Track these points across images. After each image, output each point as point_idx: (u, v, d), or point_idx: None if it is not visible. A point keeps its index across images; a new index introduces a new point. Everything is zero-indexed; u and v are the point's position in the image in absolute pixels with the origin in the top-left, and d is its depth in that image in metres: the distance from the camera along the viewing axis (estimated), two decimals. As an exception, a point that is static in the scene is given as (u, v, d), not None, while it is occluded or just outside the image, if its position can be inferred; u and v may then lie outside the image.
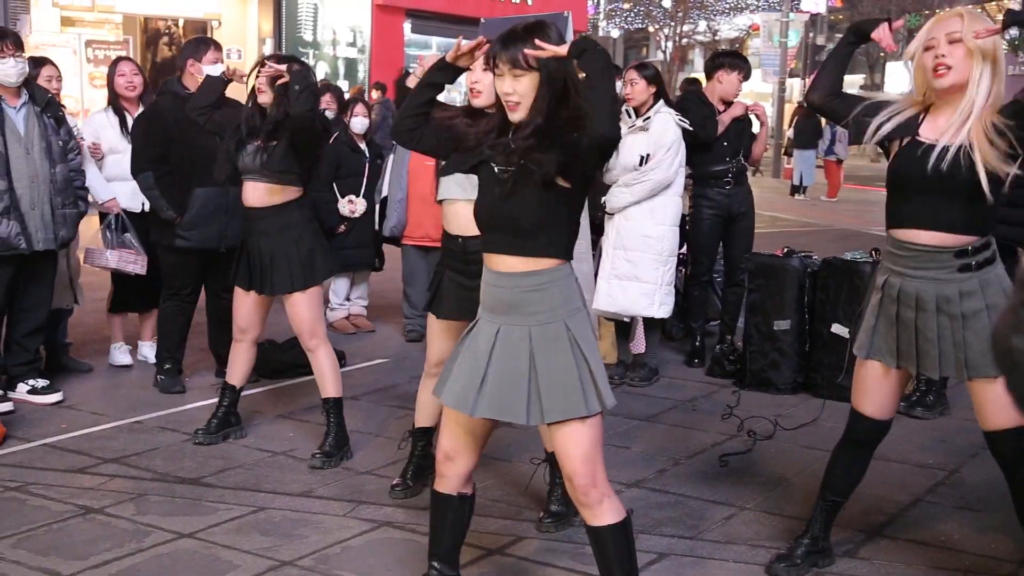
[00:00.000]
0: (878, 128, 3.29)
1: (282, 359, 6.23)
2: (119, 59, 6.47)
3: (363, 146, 7.39)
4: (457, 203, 3.91)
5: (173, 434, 5.14)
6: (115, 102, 6.19)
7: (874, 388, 3.48)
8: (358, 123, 7.33)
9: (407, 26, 21.50)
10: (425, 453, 4.39)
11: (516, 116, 2.86)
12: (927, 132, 3.22)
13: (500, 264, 2.90)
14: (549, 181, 2.77)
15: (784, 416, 5.50)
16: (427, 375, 4.24)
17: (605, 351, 6.70)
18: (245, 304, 4.92)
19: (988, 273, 3.23)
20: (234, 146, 4.76)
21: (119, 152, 6.08)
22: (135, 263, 6.00)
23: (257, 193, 4.75)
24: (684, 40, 42.20)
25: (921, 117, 3.27)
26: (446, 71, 3.22)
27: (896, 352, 3.37)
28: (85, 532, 3.95)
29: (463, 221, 3.79)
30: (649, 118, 5.95)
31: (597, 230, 6.72)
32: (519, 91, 2.82)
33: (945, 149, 3.14)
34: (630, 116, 6.06)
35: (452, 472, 3.13)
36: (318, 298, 4.85)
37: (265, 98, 4.72)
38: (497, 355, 2.90)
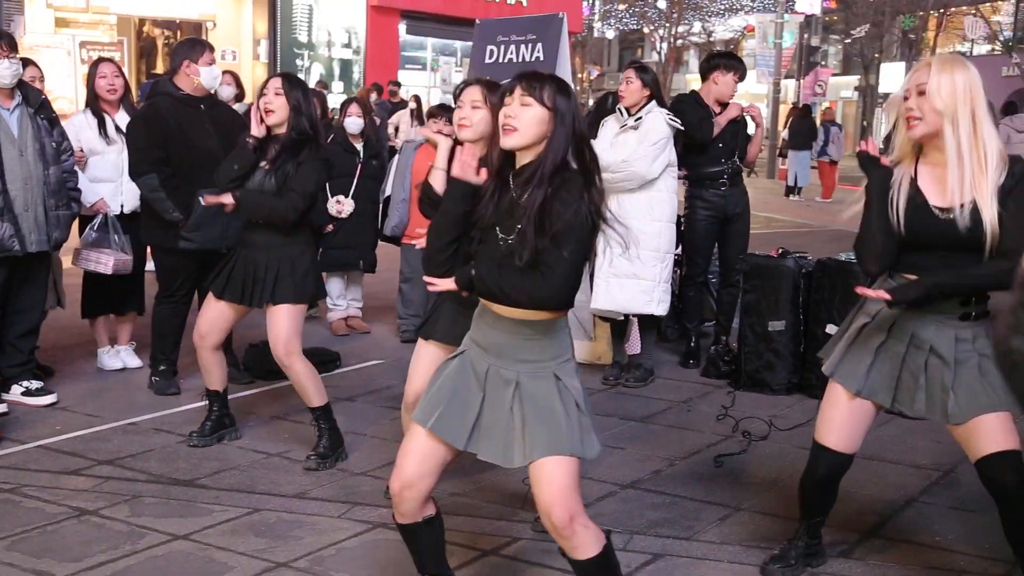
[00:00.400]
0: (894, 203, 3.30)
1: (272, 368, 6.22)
2: (100, 60, 6.38)
3: (358, 146, 7.39)
4: None
5: (168, 436, 5.13)
6: (94, 104, 6.11)
7: (841, 418, 3.50)
8: (352, 123, 7.33)
9: (402, 27, 21.50)
10: None
11: (508, 142, 2.85)
12: (931, 191, 3.25)
13: (500, 309, 2.90)
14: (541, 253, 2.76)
15: (779, 417, 5.50)
16: (408, 408, 3.98)
17: (601, 352, 6.70)
18: (215, 310, 4.83)
19: (982, 326, 3.30)
20: (245, 168, 4.71)
21: (99, 154, 6.04)
22: (127, 264, 5.99)
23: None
24: (679, 41, 42.24)
25: (915, 168, 3.31)
26: (467, 196, 2.96)
27: (865, 378, 3.41)
28: (79, 534, 3.94)
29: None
30: (640, 118, 5.96)
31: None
32: (521, 118, 2.84)
33: (958, 212, 3.19)
34: (622, 115, 6.07)
35: (411, 497, 3.05)
36: (301, 315, 4.77)
37: (274, 119, 4.67)
38: (488, 394, 2.94)
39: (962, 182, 3.17)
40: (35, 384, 5.62)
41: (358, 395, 5.92)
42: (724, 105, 6.63)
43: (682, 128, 6.13)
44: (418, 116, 15.66)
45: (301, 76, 20.66)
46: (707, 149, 6.53)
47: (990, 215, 3.14)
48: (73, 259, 6.09)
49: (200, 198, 5.47)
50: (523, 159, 2.89)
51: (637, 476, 4.70)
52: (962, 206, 3.18)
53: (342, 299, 7.59)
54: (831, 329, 5.85)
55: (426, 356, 3.97)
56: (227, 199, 4.67)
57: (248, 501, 4.31)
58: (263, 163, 4.69)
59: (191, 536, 3.95)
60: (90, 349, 6.55)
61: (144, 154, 5.62)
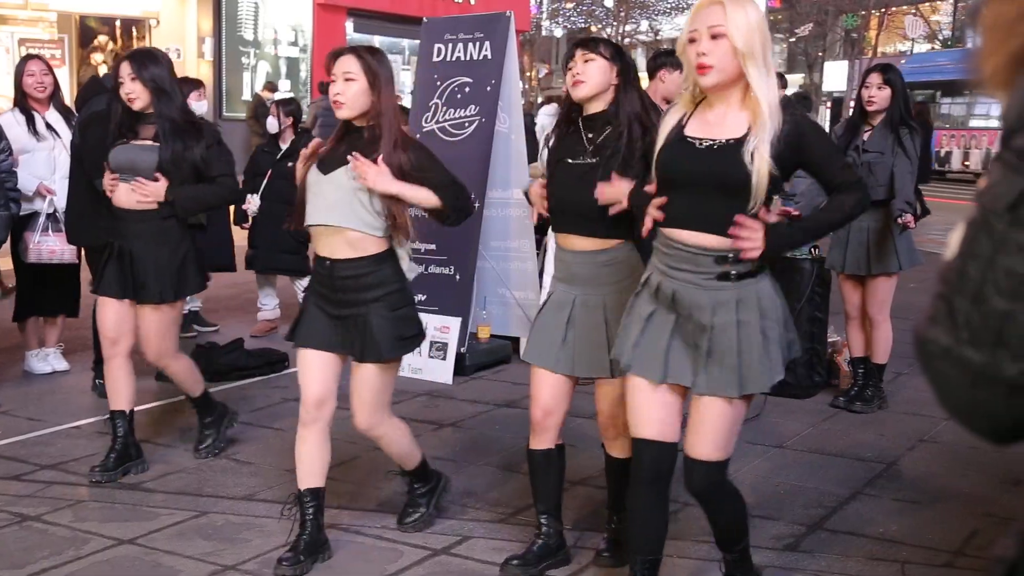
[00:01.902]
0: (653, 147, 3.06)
1: (224, 362, 6.18)
2: (28, 57, 6.26)
3: (283, 146, 7.36)
4: (326, 227, 3.65)
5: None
6: (22, 101, 5.99)
7: (647, 405, 3.05)
8: (273, 124, 7.41)
9: (349, 25, 21.37)
10: (317, 521, 3.73)
11: (579, 92, 3.43)
12: (694, 129, 2.95)
13: (574, 244, 3.45)
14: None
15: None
16: (304, 423, 3.70)
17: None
18: (114, 313, 4.50)
19: (748, 287, 2.92)
20: (108, 144, 4.49)
21: (29, 151, 5.93)
22: (73, 253, 5.91)
23: (136, 195, 4.42)
24: (626, 40, 42.42)
25: (687, 115, 3.01)
26: None
27: (649, 361, 3.02)
28: (22, 540, 3.88)
29: (333, 244, 3.62)
30: None
31: (540, 229, 6.73)
32: (587, 71, 3.41)
33: (714, 144, 2.89)
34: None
35: (551, 424, 3.60)
36: (174, 314, 4.57)
37: (140, 104, 4.40)
38: (577, 320, 3.45)
39: (742, 118, 2.88)
40: (-25, 388, 5.52)
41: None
42: (670, 103, 6.66)
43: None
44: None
45: (247, 74, 20.32)
46: None
47: (767, 157, 2.81)
48: (23, 256, 5.94)
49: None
50: (593, 108, 3.47)
51: (587, 474, 4.72)
52: (724, 141, 2.87)
53: (270, 298, 7.54)
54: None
55: (308, 362, 3.70)
56: (156, 188, 4.35)
57: (195, 504, 4.26)
58: (139, 140, 4.42)
59: (137, 540, 3.90)
60: (19, 353, 6.41)
61: (102, 155, 5.55)
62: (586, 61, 3.42)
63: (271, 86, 18.21)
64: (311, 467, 3.69)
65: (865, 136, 5.58)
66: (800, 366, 5.96)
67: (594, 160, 3.40)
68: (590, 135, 3.46)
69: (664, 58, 6.83)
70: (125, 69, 4.41)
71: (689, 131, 2.96)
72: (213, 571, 3.66)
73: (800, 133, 2.90)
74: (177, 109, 4.45)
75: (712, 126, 2.94)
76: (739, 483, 4.56)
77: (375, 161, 3.53)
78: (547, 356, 3.53)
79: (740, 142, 2.85)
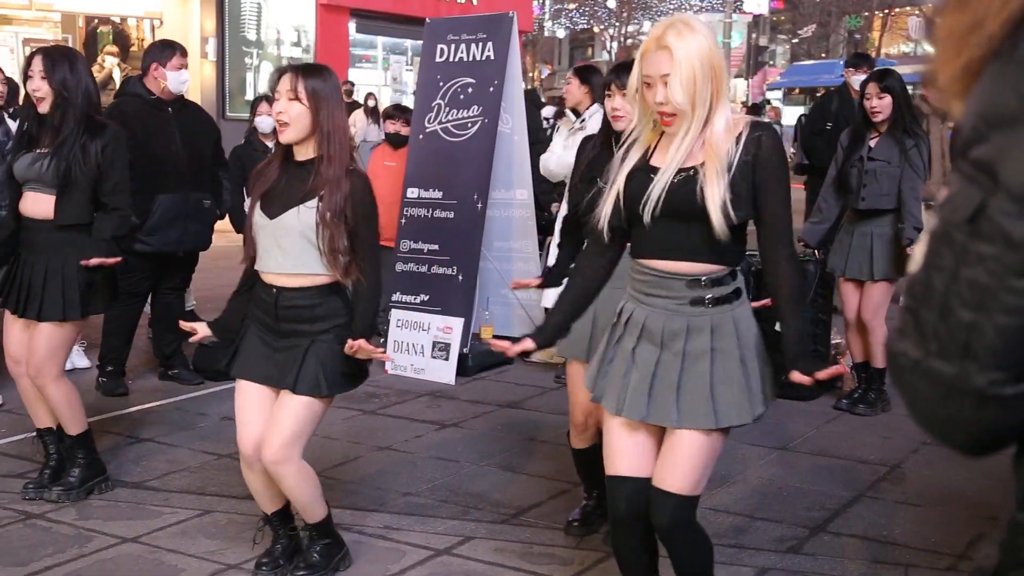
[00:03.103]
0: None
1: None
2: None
3: (270, 145, 7.29)
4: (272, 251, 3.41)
5: (116, 437, 5.07)
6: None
7: (619, 437, 2.88)
8: (263, 122, 7.09)
9: (352, 26, 21.38)
10: (291, 531, 3.65)
11: (619, 126, 3.54)
12: (659, 159, 2.84)
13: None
14: None
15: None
16: (247, 465, 3.48)
17: (552, 352, 6.71)
18: (17, 331, 4.25)
19: (724, 314, 2.82)
20: (14, 152, 4.25)
21: None
22: None
23: (40, 205, 4.15)
24: (629, 40, 42.44)
25: (652, 148, 2.88)
26: None
27: (595, 381, 2.91)
28: (26, 538, 3.88)
29: (280, 272, 3.39)
30: (584, 119, 5.96)
31: (543, 230, 6.75)
32: (625, 107, 3.44)
33: (677, 174, 2.77)
34: (573, 118, 6.07)
35: (594, 423, 3.76)
36: (71, 334, 4.25)
37: (44, 107, 4.14)
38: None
39: (680, 148, 2.75)
40: (-22, 387, 5.52)
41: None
42: None
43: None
44: (373, 114, 15.57)
45: (250, 75, 20.36)
46: None
47: (718, 187, 2.70)
48: None
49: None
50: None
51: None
52: (667, 169, 2.76)
53: None
54: (780, 327, 5.92)
55: (246, 396, 3.52)
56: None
57: (198, 503, 4.27)
58: (37, 148, 4.16)
59: (140, 539, 3.90)
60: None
61: None
62: (624, 95, 3.45)
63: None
64: (267, 495, 3.54)
65: (872, 143, 5.57)
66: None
67: None
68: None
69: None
70: (37, 65, 4.13)
71: (655, 160, 2.84)
72: (216, 570, 3.66)
73: (758, 160, 2.76)
74: (81, 114, 4.15)
75: (672, 153, 2.80)
76: (737, 486, 4.58)
77: (322, 198, 3.29)
78: (583, 352, 3.59)
79: (695, 172, 2.74)
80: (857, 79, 7.79)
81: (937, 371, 0.95)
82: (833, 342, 6.28)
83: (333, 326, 3.38)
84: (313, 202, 3.30)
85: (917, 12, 35.65)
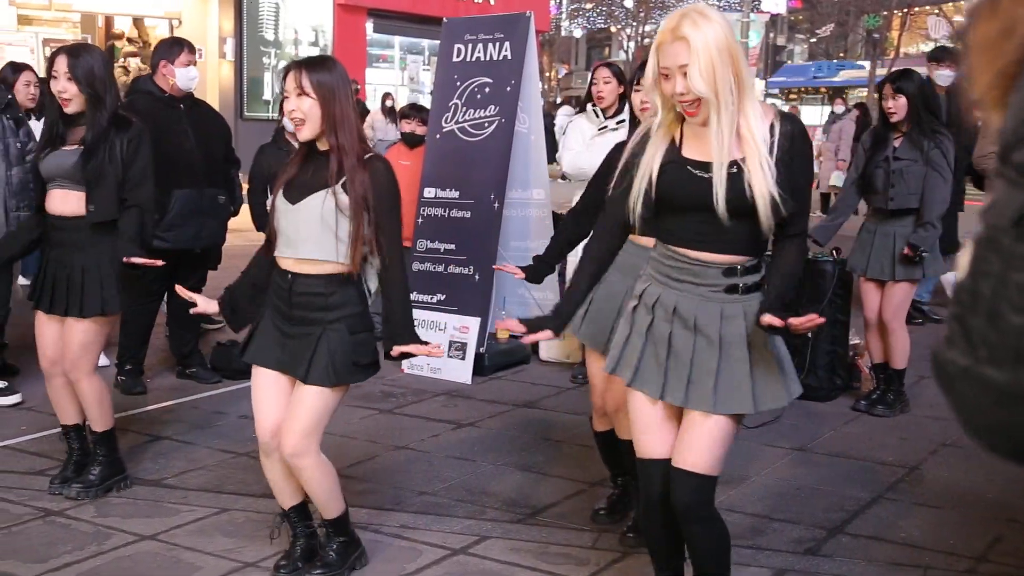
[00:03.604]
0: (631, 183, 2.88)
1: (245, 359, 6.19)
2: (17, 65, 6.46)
3: (297, 145, 7.30)
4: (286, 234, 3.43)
5: (134, 436, 5.09)
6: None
7: (653, 421, 2.92)
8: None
9: (369, 25, 21.44)
10: (308, 530, 3.67)
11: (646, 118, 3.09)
12: (691, 151, 2.84)
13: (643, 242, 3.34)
14: None
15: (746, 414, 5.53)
16: (265, 453, 3.52)
17: (570, 350, 6.72)
18: (52, 330, 4.23)
19: (755, 300, 2.85)
20: (39, 150, 4.27)
21: None
22: None
23: (69, 202, 4.17)
24: (646, 40, 42.37)
25: (679, 136, 2.87)
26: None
27: (637, 369, 2.90)
28: (45, 535, 3.90)
29: (299, 247, 3.39)
30: (624, 120, 5.85)
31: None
32: (654, 100, 2.87)
33: (718, 169, 2.77)
34: (598, 116, 5.98)
35: (612, 408, 3.89)
36: (107, 328, 4.29)
37: (73, 107, 4.15)
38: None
39: (723, 142, 2.75)
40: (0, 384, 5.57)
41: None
42: None
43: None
44: (391, 114, 15.60)
45: (268, 75, 20.36)
46: None
47: (764, 178, 2.72)
48: None
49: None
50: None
51: (605, 473, 4.71)
52: (721, 165, 2.76)
53: None
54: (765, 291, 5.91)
55: (262, 383, 3.53)
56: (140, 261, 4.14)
57: (216, 501, 4.28)
58: (65, 146, 4.17)
59: (158, 536, 3.92)
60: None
61: None
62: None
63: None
64: (286, 488, 3.55)
65: (896, 143, 5.54)
66: (821, 369, 5.94)
67: None
68: None
69: None
70: (61, 65, 4.11)
71: (687, 152, 2.84)
72: (233, 568, 3.67)
73: (792, 155, 2.78)
74: (111, 111, 4.18)
75: (707, 146, 2.80)
76: (757, 487, 4.57)
77: (344, 186, 3.31)
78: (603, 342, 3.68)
79: (739, 167, 2.74)
80: (941, 74, 7.69)
81: (988, 378, 0.94)
82: (851, 343, 6.26)
83: (345, 315, 3.37)
84: (334, 189, 3.32)
85: (936, 11, 35.46)
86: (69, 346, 4.18)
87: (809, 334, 5.82)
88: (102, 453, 4.32)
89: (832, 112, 17.38)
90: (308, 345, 3.36)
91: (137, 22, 19.14)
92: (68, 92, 4.11)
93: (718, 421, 2.82)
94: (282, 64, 19.88)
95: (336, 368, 3.36)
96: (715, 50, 2.69)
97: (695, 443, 2.82)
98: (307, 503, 3.62)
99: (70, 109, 4.14)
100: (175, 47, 5.77)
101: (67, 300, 4.14)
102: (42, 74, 6.03)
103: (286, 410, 3.43)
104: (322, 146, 3.42)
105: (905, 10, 33.14)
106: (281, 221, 3.41)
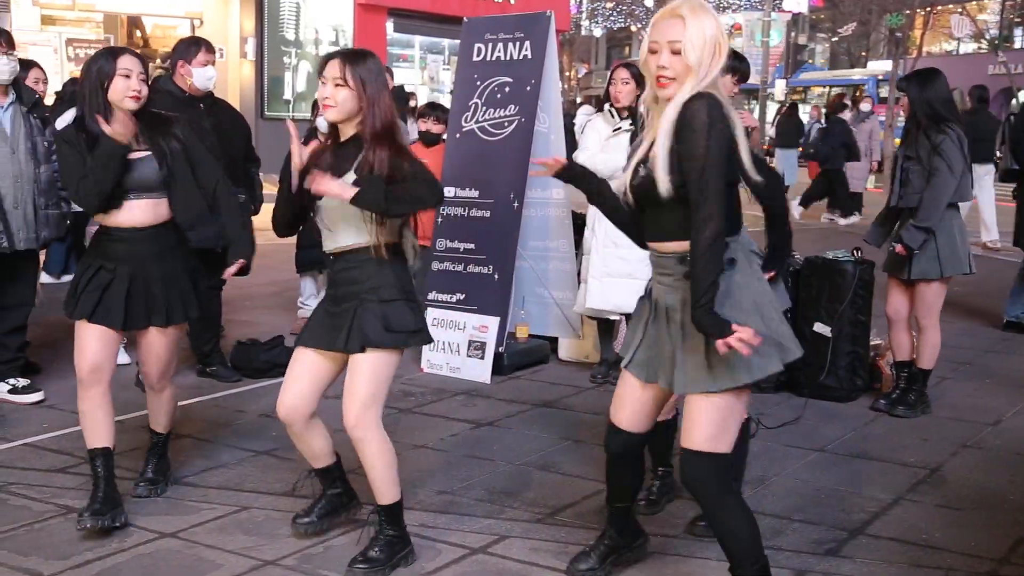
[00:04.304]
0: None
1: (264, 359, 6.22)
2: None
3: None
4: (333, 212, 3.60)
5: (155, 434, 5.11)
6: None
7: (629, 400, 3.36)
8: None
9: (390, 25, 21.45)
10: (339, 488, 3.99)
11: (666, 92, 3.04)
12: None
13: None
14: None
15: (766, 415, 5.51)
16: (286, 424, 3.74)
17: (588, 350, 6.71)
18: (100, 339, 4.03)
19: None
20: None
21: None
22: None
23: (148, 211, 4.02)
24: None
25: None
26: None
27: (641, 362, 3.25)
28: (67, 532, 3.93)
29: (335, 236, 3.61)
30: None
31: (579, 229, 6.72)
32: (674, 67, 3.00)
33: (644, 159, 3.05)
34: (614, 116, 5.98)
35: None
36: (180, 336, 4.35)
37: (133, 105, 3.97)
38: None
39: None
40: (22, 382, 5.61)
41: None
42: None
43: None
44: (413, 113, 15.63)
45: (289, 74, 20.50)
46: None
47: (662, 168, 2.96)
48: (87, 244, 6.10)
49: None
50: None
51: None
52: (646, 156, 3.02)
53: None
54: (819, 328, 5.88)
55: (298, 361, 3.72)
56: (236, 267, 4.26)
57: (236, 499, 4.30)
58: (135, 153, 3.95)
59: (179, 534, 3.94)
60: (69, 347, 6.50)
61: None
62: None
63: None
64: (309, 453, 3.86)
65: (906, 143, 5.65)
66: (842, 369, 5.91)
67: None
68: None
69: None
70: (137, 66, 3.95)
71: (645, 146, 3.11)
72: (252, 566, 3.69)
73: (681, 128, 2.92)
74: (163, 110, 4.19)
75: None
76: (777, 487, 4.55)
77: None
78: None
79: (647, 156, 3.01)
80: None
81: None
82: (872, 343, 6.22)
83: (379, 286, 3.57)
84: (362, 176, 3.48)
85: (959, 10, 35.24)
86: (159, 356, 4.19)
87: (829, 333, 5.82)
88: (162, 454, 4.44)
89: (859, 110, 17.29)
90: (346, 319, 3.57)
91: (137, 21, 19.22)
92: (144, 92, 3.97)
93: (705, 400, 3.03)
94: (303, 63, 19.98)
95: (371, 332, 3.53)
96: (708, 34, 2.93)
97: (689, 424, 3.09)
98: (335, 467, 3.93)
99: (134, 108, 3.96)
100: (192, 47, 5.80)
101: (149, 312, 4.06)
102: (65, 74, 6.09)
103: (308, 390, 3.67)
104: (345, 134, 3.61)
105: (928, 9, 32.92)
106: (318, 216, 3.64)
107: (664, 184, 2.95)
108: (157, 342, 4.17)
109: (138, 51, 4.21)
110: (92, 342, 4.02)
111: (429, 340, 3.74)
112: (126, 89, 3.92)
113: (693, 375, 3.03)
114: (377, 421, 3.59)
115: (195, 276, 4.22)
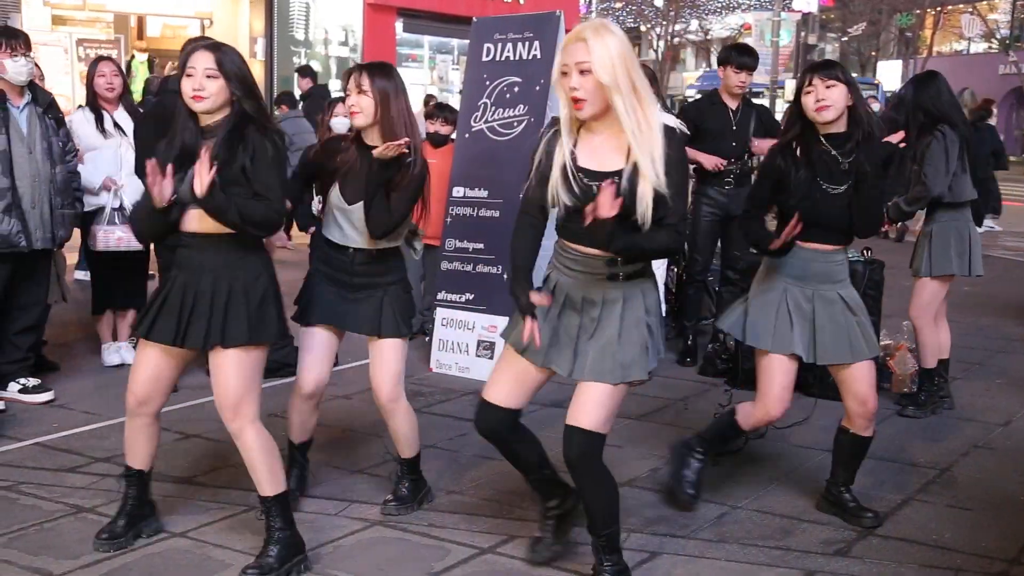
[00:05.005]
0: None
1: (274, 359, 6.20)
2: (99, 59, 6.48)
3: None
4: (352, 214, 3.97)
5: (165, 433, 5.08)
6: (93, 101, 6.22)
7: (513, 379, 3.52)
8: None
9: (399, 25, 21.48)
10: (303, 464, 4.38)
11: (826, 116, 3.91)
12: (584, 158, 3.22)
13: (818, 247, 3.97)
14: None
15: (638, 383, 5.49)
16: (301, 399, 4.26)
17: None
18: (154, 365, 3.66)
19: (635, 287, 3.34)
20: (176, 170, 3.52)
21: (96, 148, 6.12)
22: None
23: (196, 217, 3.52)
24: (676, 39, 42.25)
25: (575, 141, 3.25)
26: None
27: (541, 348, 3.40)
28: (76, 531, 3.94)
29: (356, 233, 3.97)
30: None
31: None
32: (831, 96, 3.90)
33: (601, 178, 3.15)
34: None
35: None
36: (259, 363, 3.66)
37: (203, 106, 3.51)
38: (819, 312, 3.97)
39: (629, 146, 3.13)
40: (32, 381, 5.63)
41: (354, 393, 5.92)
42: (732, 96, 6.66)
43: (688, 133, 6.13)
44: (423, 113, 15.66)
45: (298, 75, 20.68)
46: (718, 147, 6.55)
47: (652, 181, 3.09)
48: (92, 246, 6.18)
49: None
50: (832, 128, 3.93)
51: (634, 474, 4.70)
52: (621, 171, 3.14)
53: None
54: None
55: (316, 339, 4.12)
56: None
57: (245, 499, 4.30)
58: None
59: (188, 533, 3.95)
60: (90, 346, 6.55)
61: (151, 151, 5.62)
62: (828, 87, 3.85)
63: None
64: (303, 428, 4.30)
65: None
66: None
67: (849, 184, 3.91)
68: (842, 159, 3.92)
69: (726, 53, 6.82)
70: (207, 61, 3.50)
71: (581, 160, 3.22)
72: (262, 566, 3.68)
73: (670, 166, 3.14)
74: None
75: (599, 154, 3.21)
76: (788, 488, 4.54)
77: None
78: (786, 343, 4.01)
79: (621, 175, 3.13)
80: None
81: None
82: (882, 343, 6.20)
83: (399, 279, 4.08)
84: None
85: (970, 10, 35.13)
86: (225, 390, 3.55)
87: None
88: (277, 526, 3.62)
89: None
90: (374, 306, 4.00)
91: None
92: (207, 90, 3.49)
93: (605, 388, 3.29)
94: (312, 63, 20.02)
95: (403, 322, 4.04)
96: (614, 54, 3.06)
97: (584, 406, 3.32)
98: (309, 444, 4.33)
99: (203, 107, 3.53)
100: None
101: (208, 329, 3.52)
102: (75, 75, 6.12)
103: (328, 368, 4.14)
104: (369, 140, 3.93)
105: (938, 8, 32.84)
106: (339, 215, 3.96)
107: (650, 211, 3.12)
108: (217, 365, 3.58)
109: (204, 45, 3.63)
110: (145, 369, 3.66)
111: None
112: (188, 90, 3.51)
113: (595, 366, 3.29)
114: (404, 393, 4.14)
115: (268, 293, 3.61)
